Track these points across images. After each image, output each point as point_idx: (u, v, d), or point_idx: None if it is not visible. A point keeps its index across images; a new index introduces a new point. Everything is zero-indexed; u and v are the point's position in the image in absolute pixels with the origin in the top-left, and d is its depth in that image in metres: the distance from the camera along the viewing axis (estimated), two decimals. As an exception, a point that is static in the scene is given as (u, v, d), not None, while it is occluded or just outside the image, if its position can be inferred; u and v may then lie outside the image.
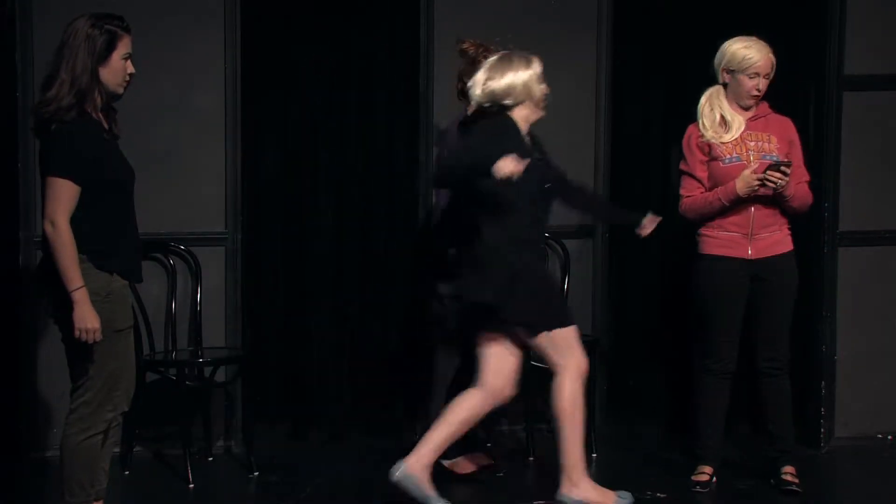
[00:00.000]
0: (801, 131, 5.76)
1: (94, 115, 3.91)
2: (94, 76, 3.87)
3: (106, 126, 3.94)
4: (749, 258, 4.97)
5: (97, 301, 3.88)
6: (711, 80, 5.90)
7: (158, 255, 5.55)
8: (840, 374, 5.77)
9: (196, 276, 5.57)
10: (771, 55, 5.05)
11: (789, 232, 5.07)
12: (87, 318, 3.84)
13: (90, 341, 3.86)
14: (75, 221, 3.85)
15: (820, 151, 5.73)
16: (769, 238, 5.00)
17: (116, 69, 3.93)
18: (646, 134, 6.16)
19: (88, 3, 5.15)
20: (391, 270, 5.86)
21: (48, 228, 3.84)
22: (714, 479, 5.08)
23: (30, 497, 5.01)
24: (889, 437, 5.86)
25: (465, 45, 4.99)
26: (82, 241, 3.86)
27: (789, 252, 5.04)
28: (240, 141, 5.61)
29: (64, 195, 3.82)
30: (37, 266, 4.09)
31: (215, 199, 5.59)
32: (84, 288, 3.83)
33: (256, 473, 5.29)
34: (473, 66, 4.80)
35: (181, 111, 5.52)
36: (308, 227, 5.86)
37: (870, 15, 5.71)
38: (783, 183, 4.85)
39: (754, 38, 5.06)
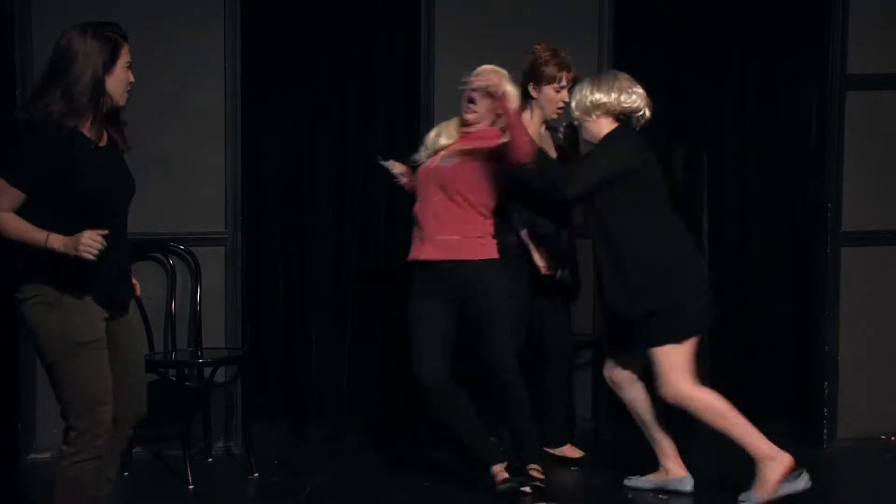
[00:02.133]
0: (804, 131, 5.82)
1: (84, 128, 3.72)
2: (102, 88, 3.72)
3: (97, 139, 3.76)
4: None
5: (44, 310, 3.69)
6: (714, 80, 5.95)
7: (158, 255, 5.52)
8: (842, 375, 5.75)
9: (196, 276, 5.53)
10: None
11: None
12: (69, 244, 3.57)
13: (93, 248, 3.57)
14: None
15: (822, 151, 5.72)
16: None
17: (120, 79, 3.78)
18: (646, 134, 6.13)
19: (87, 3, 5.22)
20: (391, 270, 5.83)
21: None
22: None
23: (26, 500, 4.98)
24: (892, 438, 5.83)
25: (539, 49, 5.11)
26: (39, 264, 3.67)
27: None
28: (240, 140, 5.58)
29: (2, 196, 3.65)
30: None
31: (215, 199, 5.55)
32: (51, 234, 3.60)
33: (256, 474, 5.27)
34: (539, 71, 5.03)
35: (181, 111, 5.49)
36: (308, 227, 5.84)
37: (873, 14, 5.69)
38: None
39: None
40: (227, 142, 5.53)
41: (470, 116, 4.94)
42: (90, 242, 3.57)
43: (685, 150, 6.07)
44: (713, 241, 6.02)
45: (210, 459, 5.53)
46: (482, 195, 4.84)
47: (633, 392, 4.99)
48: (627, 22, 5.95)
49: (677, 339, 4.66)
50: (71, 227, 3.62)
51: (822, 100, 5.74)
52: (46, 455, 5.35)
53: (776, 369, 5.97)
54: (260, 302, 5.82)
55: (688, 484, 4.98)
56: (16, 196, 3.66)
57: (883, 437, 5.83)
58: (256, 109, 5.69)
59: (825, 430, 5.74)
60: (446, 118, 5.58)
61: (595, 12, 5.86)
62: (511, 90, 4.80)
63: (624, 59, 5.97)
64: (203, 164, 5.55)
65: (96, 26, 3.79)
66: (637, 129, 4.87)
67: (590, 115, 4.82)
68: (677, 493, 4.96)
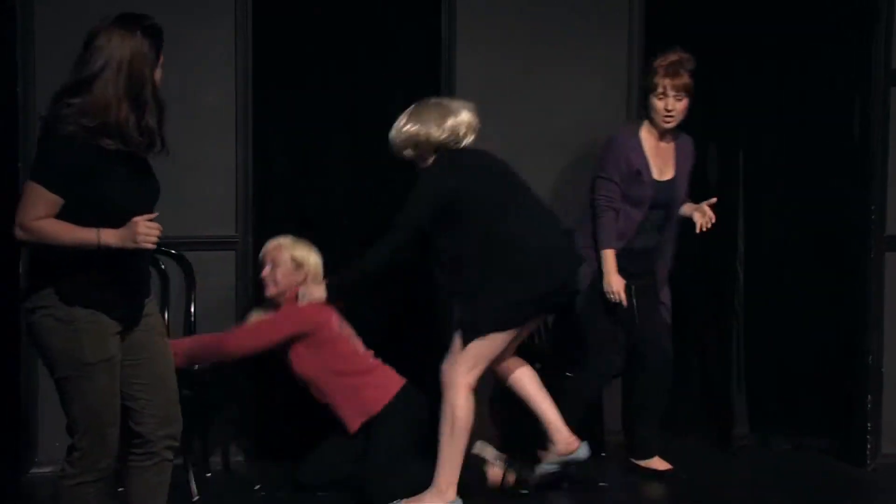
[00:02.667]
0: (845, 130, 5.72)
1: (118, 135, 3.57)
2: (154, 88, 3.61)
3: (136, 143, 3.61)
4: None
5: (53, 324, 3.58)
6: (749, 78, 5.79)
7: (166, 259, 5.37)
8: (887, 387, 5.61)
9: (204, 280, 5.37)
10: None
11: None
12: (126, 236, 3.48)
13: (151, 237, 3.50)
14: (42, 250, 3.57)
15: (865, 150, 5.60)
16: None
17: (159, 79, 3.69)
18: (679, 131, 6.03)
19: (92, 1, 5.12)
20: (405, 272, 5.65)
21: (20, 233, 3.54)
22: None
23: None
24: (939, 454, 5.68)
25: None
26: (49, 274, 3.57)
27: None
28: (251, 140, 5.49)
29: (40, 202, 3.52)
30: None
31: (224, 201, 5.46)
32: (100, 230, 3.49)
33: (258, 486, 5.17)
34: (645, 81, 5.28)
35: (189, 108, 5.35)
36: (320, 229, 5.64)
37: (918, 6, 5.57)
38: None
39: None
40: (238, 141, 5.45)
41: (270, 292, 5.09)
42: (147, 231, 3.50)
43: (719, 152, 5.96)
44: (749, 245, 5.92)
45: (208, 475, 5.37)
46: None
47: (514, 374, 5.03)
48: (658, 17, 5.86)
49: (484, 331, 4.75)
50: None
51: (864, 97, 5.61)
52: (49, 469, 5.20)
53: (816, 381, 5.83)
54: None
55: (584, 452, 5.02)
56: (55, 202, 3.52)
57: (930, 452, 5.68)
58: (268, 108, 5.59)
59: (868, 446, 5.59)
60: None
61: (625, 9, 5.80)
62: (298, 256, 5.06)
63: (653, 58, 5.85)
64: (212, 164, 5.45)
65: (139, 19, 3.66)
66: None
67: (406, 150, 4.92)
68: (580, 463, 5.06)
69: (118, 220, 3.54)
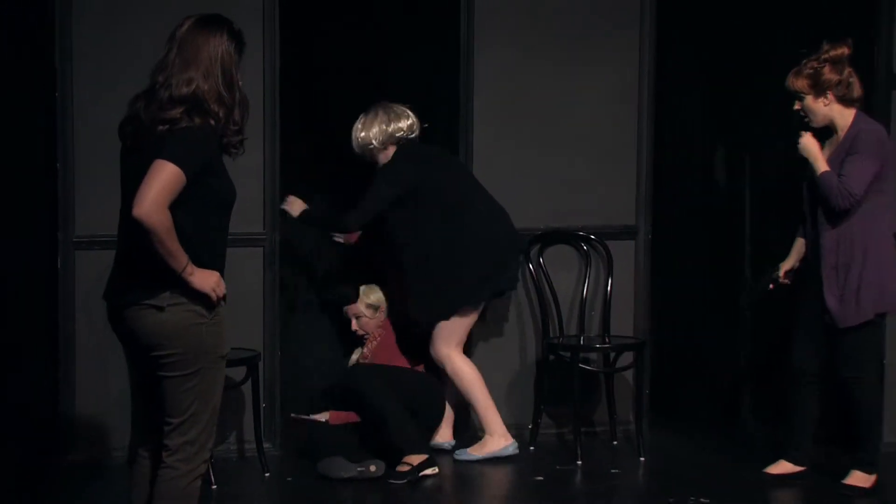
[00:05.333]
0: None
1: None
2: (240, 90, 3.58)
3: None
4: None
5: (205, 324, 3.52)
6: (755, 79, 5.87)
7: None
8: (890, 378, 5.61)
9: (231, 275, 5.40)
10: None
11: None
12: (206, 281, 3.47)
13: (220, 293, 3.51)
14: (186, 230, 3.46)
15: None
16: None
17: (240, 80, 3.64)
18: (690, 133, 6.09)
19: (129, 3, 5.23)
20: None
21: (154, 217, 3.37)
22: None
23: (66, 501, 5.00)
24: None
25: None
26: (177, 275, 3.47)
27: None
28: (279, 138, 5.52)
29: (177, 186, 3.41)
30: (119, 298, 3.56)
31: (252, 200, 5.47)
32: (190, 262, 3.44)
33: (267, 475, 5.29)
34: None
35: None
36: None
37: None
38: None
39: None
40: (266, 141, 5.46)
41: (368, 339, 5.71)
42: (221, 290, 3.53)
43: (726, 152, 6.02)
44: (755, 244, 5.97)
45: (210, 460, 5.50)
46: None
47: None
48: (669, 19, 5.92)
49: (447, 315, 5.42)
50: (211, 225, 3.56)
51: (867, 98, 5.53)
52: (84, 457, 5.36)
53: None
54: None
55: (511, 449, 5.46)
56: (181, 189, 3.42)
57: (932, 441, 5.71)
58: (294, 106, 5.67)
59: None
60: (486, 118, 5.63)
61: (637, 8, 5.84)
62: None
63: (664, 59, 5.95)
64: (241, 163, 5.45)
65: (223, 20, 3.65)
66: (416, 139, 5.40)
67: (364, 151, 5.40)
68: (508, 459, 5.43)
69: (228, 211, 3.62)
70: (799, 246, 5.20)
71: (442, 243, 5.36)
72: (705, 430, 5.99)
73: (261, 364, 5.42)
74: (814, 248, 5.01)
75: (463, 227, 5.37)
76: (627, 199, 5.91)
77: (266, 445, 5.47)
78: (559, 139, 5.81)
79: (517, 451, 5.48)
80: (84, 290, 5.29)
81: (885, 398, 5.61)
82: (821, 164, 4.93)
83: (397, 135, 5.39)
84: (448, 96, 5.80)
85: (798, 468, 5.17)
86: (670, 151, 6.11)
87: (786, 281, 5.19)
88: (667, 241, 6.11)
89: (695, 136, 6.11)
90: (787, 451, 5.19)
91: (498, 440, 5.47)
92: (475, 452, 5.47)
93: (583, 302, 5.85)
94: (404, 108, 5.44)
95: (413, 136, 5.43)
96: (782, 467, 5.18)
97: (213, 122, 3.52)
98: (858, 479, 5.06)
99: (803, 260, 5.15)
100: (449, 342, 5.45)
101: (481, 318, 5.61)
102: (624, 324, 5.90)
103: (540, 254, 5.85)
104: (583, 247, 5.88)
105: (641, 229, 5.94)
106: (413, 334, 5.59)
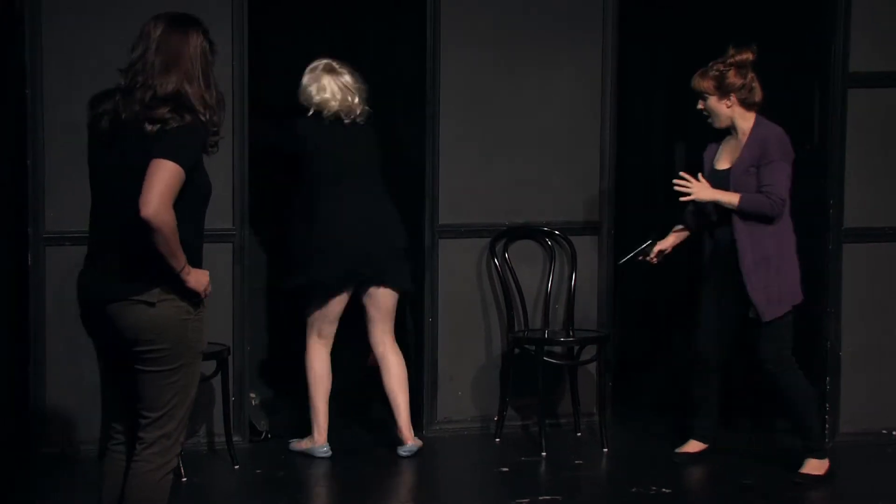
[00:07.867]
0: (806, 128, 5.83)
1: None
2: (217, 89, 3.61)
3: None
4: None
5: (190, 320, 3.56)
6: None
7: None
8: (844, 370, 5.77)
9: None
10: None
11: None
12: (201, 280, 3.52)
13: (209, 292, 3.57)
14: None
15: (824, 148, 5.74)
16: None
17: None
18: (650, 132, 6.18)
19: (98, 2, 5.27)
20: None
21: (161, 217, 3.39)
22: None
23: (37, 494, 5.03)
24: (894, 433, 5.86)
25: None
26: (168, 271, 3.49)
27: None
28: (247, 139, 5.56)
29: (178, 184, 3.45)
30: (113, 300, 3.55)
31: (221, 196, 5.42)
32: (187, 263, 3.49)
33: (237, 467, 5.34)
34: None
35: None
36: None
37: (875, 11, 5.72)
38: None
39: None
40: (235, 137, 5.47)
41: None
42: (208, 288, 3.60)
43: (685, 150, 6.13)
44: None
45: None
46: None
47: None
48: (630, 21, 5.98)
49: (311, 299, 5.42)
50: (183, 219, 3.50)
51: (824, 97, 5.76)
52: (55, 450, 5.41)
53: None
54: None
55: (322, 451, 5.46)
56: (180, 186, 3.45)
57: (885, 431, 5.86)
58: (264, 103, 5.70)
59: (827, 425, 5.75)
60: (452, 113, 5.67)
61: (599, 11, 5.89)
62: None
63: (626, 58, 6.03)
64: (210, 161, 5.46)
65: (195, 21, 3.62)
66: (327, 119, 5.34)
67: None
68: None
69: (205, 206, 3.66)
70: (679, 233, 5.43)
71: (301, 217, 5.36)
72: (668, 422, 6.08)
73: (230, 358, 5.45)
74: (728, 246, 5.18)
75: (332, 209, 5.31)
76: (590, 196, 5.98)
77: (235, 438, 5.51)
78: (524, 137, 5.88)
79: (328, 454, 5.46)
80: (55, 286, 5.32)
81: (840, 390, 5.78)
82: (729, 197, 5.12)
83: (305, 101, 5.35)
84: (415, 96, 5.86)
85: (703, 446, 5.46)
86: (632, 149, 6.19)
87: (654, 259, 5.38)
88: (629, 236, 6.18)
89: (655, 134, 6.20)
90: (694, 431, 5.47)
91: (311, 440, 5.50)
92: (297, 445, 5.56)
93: (547, 296, 5.93)
94: (342, 89, 5.33)
95: (326, 114, 5.34)
96: (692, 446, 5.47)
97: (202, 119, 3.54)
98: (813, 466, 5.21)
99: (701, 257, 5.41)
100: (311, 332, 5.45)
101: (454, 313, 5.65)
102: (587, 318, 5.99)
103: (505, 249, 5.93)
104: (547, 242, 5.97)
105: (604, 224, 6.01)
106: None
